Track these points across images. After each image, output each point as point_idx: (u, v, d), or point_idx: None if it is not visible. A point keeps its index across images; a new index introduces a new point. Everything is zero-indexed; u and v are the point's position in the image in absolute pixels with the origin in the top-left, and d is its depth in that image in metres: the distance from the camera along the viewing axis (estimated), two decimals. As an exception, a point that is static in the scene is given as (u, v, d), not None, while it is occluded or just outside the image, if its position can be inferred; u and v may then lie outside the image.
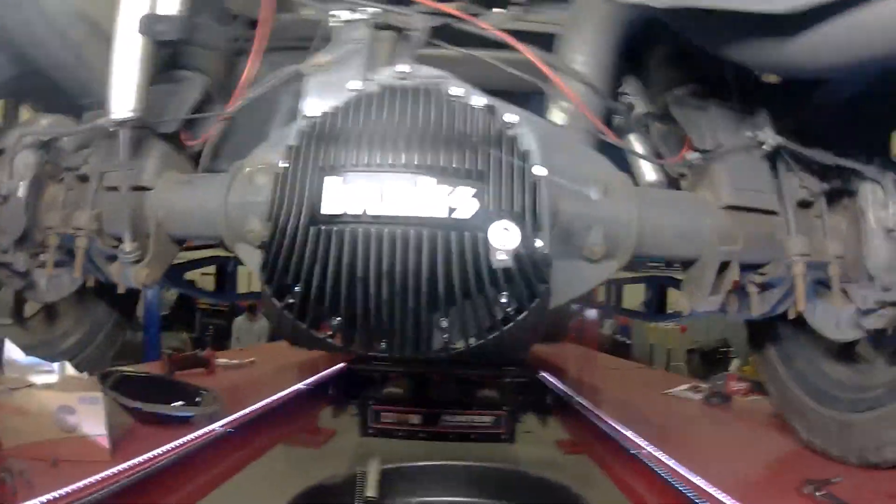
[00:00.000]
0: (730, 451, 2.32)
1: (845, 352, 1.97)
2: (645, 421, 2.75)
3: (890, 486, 1.67)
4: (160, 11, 1.53)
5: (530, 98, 1.69)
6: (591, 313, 7.65)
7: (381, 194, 1.23)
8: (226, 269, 2.46)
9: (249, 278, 2.83)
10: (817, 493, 1.64)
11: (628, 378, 4.52)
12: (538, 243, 1.28)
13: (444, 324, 1.29)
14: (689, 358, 10.37)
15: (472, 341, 1.32)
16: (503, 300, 1.28)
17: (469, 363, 3.63)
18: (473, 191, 1.24)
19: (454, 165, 1.25)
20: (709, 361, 9.75)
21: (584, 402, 3.19)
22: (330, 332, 1.33)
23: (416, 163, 1.24)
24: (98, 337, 2.46)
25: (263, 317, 9.08)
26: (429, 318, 1.28)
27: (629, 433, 2.42)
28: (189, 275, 3.16)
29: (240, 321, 8.64)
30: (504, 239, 1.23)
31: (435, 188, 1.23)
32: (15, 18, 1.63)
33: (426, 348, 1.32)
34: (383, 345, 1.33)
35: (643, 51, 1.96)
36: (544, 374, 3.89)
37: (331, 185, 1.25)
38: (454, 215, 1.23)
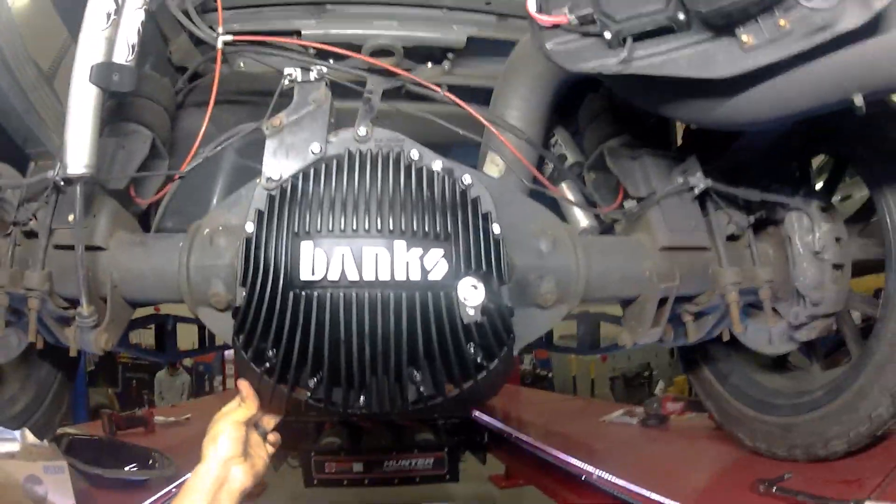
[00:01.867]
0: (679, 466, 2.38)
1: (778, 364, 2.14)
2: (588, 447, 2.82)
3: (838, 474, 1.77)
4: (115, 60, 1.41)
5: (451, 149, 1.70)
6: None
7: (358, 259, 1.30)
8: (165, 327, 2.40)
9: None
10: (773, 489, 1.75)
11: (562, 410, 4.62)
12: (502, 297, 1.39)
13: (419, 377, 1.36)
14: (613, 385, 10.44)
15: (448, 392, 1.38)
16: (474, 351, 1.36)
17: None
18: (442, 252, 1.33)
19: (425, 229, 1.33)
20: (633, 386, 9.92)
21: (525, 437, 3.23)
22: (309, 394, 1.37)
23: (390, 228, 1.32)
24: (45, 401, 2.29)
25: (183, 371, 8.83)
26: (406, 373, 1.35)
27: (574, 460, 2.48)
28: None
29: (161, 375, 8.38)
30: (472, 295, 1.32)
31: (409, 252, 1.31)
32: None
33: (402, 401, 1.38)
34: (362, 401, 1.38)
35: (574, 106, 2.08)
36: (477, 414, 3.89)
37: (307, 250, 1.31)
38: (428, 277, 1.32)
